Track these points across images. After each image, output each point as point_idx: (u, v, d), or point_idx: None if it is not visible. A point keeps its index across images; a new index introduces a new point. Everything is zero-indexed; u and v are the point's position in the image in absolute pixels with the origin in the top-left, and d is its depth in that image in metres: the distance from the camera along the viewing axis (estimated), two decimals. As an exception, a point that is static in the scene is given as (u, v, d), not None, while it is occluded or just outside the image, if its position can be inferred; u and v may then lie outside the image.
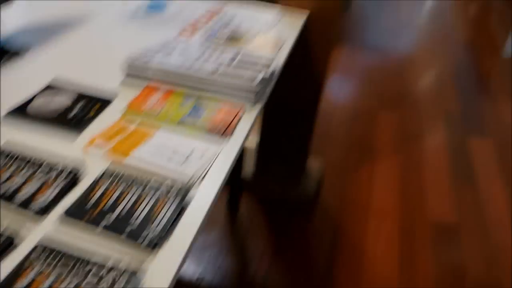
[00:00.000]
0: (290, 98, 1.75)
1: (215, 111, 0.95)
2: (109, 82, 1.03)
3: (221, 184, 0.77)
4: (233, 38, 1.28)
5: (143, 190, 0.72)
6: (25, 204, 0.67)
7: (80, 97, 0.95)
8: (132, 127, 0.88)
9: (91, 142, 0.81)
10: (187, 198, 0.72)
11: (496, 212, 2.10)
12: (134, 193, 0.71)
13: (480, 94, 3.03)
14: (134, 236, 0.64)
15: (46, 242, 0.62)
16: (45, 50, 1.15)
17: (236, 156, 0.84)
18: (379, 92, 2.90)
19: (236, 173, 1.88)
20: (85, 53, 1.16)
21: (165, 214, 0.68)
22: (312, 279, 1.72)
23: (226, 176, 0.79)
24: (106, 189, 0.72)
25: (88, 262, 0.59)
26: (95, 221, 0.66)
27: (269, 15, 1.46)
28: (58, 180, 0.72)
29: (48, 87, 0.99)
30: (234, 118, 0.93)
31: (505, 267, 1.86)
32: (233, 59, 1.10)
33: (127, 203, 0.70)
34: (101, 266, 0.59)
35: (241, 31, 1.33)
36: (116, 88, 1.01)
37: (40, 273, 0.58)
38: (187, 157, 0.81)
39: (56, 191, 0.70)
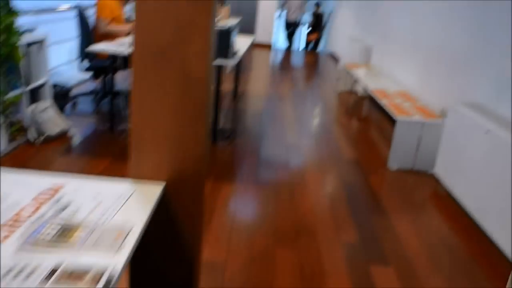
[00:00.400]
0: (162, 271, 1.47)
1: None
2: None
3: None
4: (65, 232, 1.01)
5: None
6: None
7: None
8: None
9: None
10: None
11: None
12: None
13: (374, 214, 2.99)
14: None
15: None
16: None
17: None
18: (274, 227, 2.73)
19: None
20: None
21: None
22: None
23: None
24: None
25: None
26: None
27: (117, 191, 1.23)
28: None
29: None
30: None
31: None
32: (51, 274, 0.82)
33: None
34: None
35: (78, 219, 1.07)
36: None
37: None
38: None
39: None
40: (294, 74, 8.06)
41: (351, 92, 6.58)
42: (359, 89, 6.28)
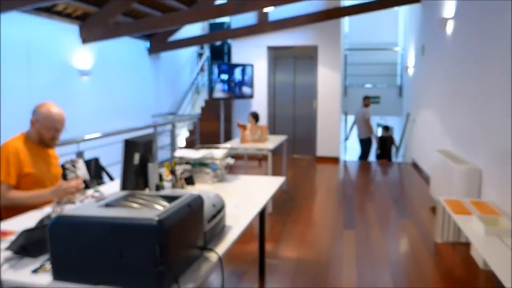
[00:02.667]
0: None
1: None
2: None
3: None
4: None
5: None
6: None
7: None
8: None
9: None
10: None
11: None
12: None
13: None
14: None
15: None
16: None
17: None
18: None
19: None
20: None
21: None
22: None
23: None
24: None
25: None
26: None
27: None
28: None
29: None
30: None
31: None
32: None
33: None
34: None
35: None
36: None
37: None
38: None
39: None
40: (367, 204, 5.66)
41: (457, 245, 4.03)
42: (475, 254, 3.74)
